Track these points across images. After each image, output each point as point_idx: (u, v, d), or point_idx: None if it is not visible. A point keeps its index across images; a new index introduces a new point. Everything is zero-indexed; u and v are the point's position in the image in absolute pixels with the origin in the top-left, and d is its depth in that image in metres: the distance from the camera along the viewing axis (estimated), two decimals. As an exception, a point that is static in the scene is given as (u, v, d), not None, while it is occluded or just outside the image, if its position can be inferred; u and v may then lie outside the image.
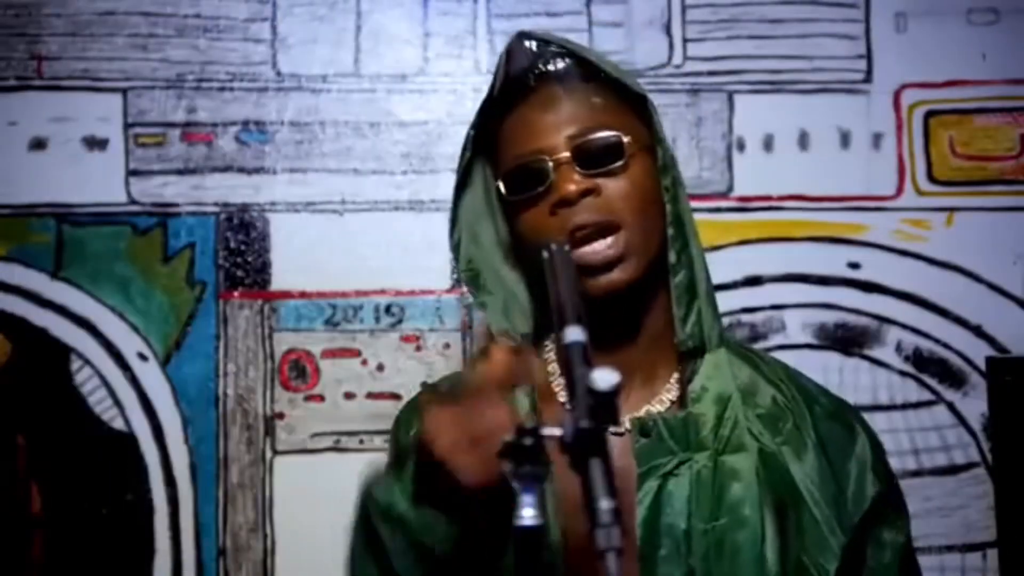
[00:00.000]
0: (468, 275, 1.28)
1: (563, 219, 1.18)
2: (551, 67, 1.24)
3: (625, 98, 1.26)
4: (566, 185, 1.18)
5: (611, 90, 1.25)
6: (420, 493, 1.01)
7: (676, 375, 1.23)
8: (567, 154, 1.20)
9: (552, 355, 1.26)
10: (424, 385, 1.38)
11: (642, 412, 1.21)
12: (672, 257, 1.22)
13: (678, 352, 1.23)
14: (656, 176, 1.23)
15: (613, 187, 1.20)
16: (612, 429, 1.16)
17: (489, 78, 1.75)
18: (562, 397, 1.21)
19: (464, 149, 1.27)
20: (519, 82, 1.24)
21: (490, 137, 1.27)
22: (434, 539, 1.01)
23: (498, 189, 1.24)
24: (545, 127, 1.21)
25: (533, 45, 1.26)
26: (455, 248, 1.28)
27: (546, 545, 0.87)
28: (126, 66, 1.75)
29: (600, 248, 1.18)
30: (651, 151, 1.24)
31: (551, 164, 1.20)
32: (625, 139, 1.21)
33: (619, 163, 1.20)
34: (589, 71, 1.24)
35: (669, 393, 1.23)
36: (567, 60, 1.24)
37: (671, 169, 1.25)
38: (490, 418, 0.95)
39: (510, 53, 1.26)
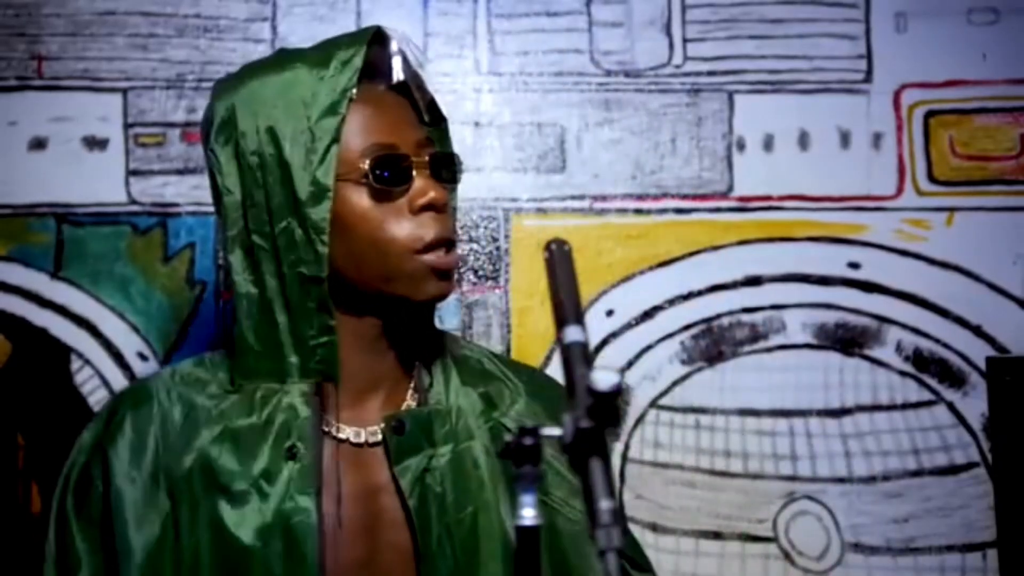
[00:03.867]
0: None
1: (428, 224, 1.21)
2: (414, 73, 1.29)
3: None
4: (437, 190, 1.22)
5: None
6: None
7: (414, 381, 1.29)
8: (427, 159, 1.23)
9: None
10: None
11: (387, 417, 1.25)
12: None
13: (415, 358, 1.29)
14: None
15: (451, 207, 1.28)
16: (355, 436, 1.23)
17: (489, 78, 1.77)
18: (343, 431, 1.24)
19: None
20: (382, 73, 1.27)
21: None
22: None
23: (356, 172, 1.22)
24: (407, 124, 1.25)
25: (406, 49, 1.29)
26: None
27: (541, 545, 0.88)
28: (126, 66, 1.75)
29: (453, 258, 1.24)
30: None
31: (414, 164, 1.22)
32: (461, 165, 1.28)
33: (456, 184, 1.28)
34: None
35: (410, 396, 1.28)
36: (422, 77, 1.30)
37: None
38: None
39: (383, 46, 1.29)
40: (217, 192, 1.25)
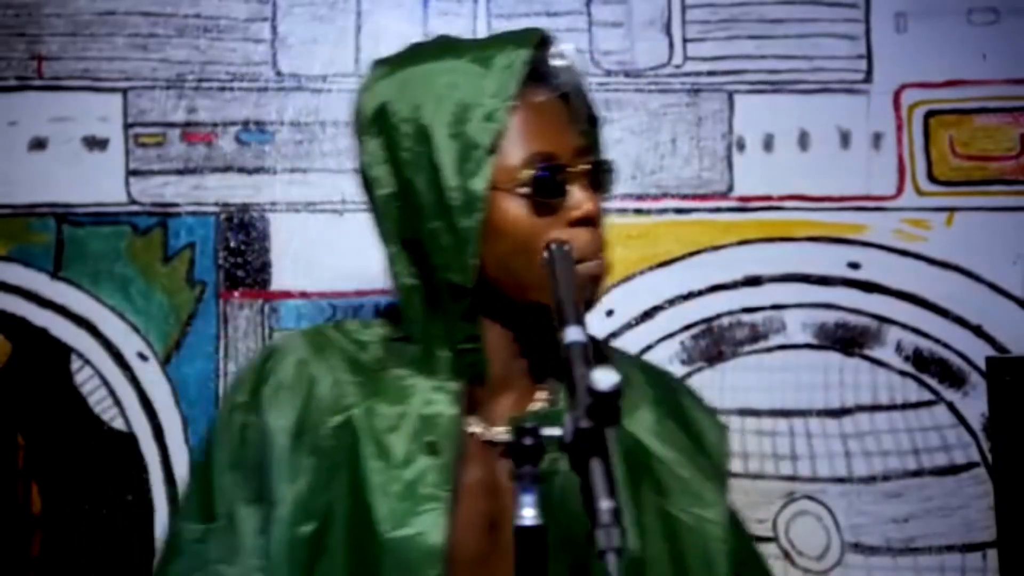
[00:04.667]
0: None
1: (583, 236, 1.18)
2: (567, 83, 1.25)
3: None
4: (592, 202, 1.19)
5: None
6: None
7: (547, 385, 1.27)
8: (584, 168, 1.20)
9: None
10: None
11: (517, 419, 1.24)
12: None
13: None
14: None
15: (600, 218, 1.23)
16: (488, 435, 1.22)
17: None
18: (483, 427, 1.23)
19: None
20: (543, 78, 1.23)
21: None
22: None
23: (516, 182, 1.20)
24: (563, 132, 1.21)
25: (559, 53, 1.25)
26: None
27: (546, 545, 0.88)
28: (126, 66, 1.75)
29: (600, 269, 1.21)
30: None
31: (568, 175, 1.19)
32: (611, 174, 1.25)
33: (607, 194, 1.24)
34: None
35: (540, 398, 1.26)
36: (581, 87, 1.26)
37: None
38: None
39: (548, 54, 1.25)
40: (366, 181, 1.24)
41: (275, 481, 1.19)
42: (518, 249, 1.19)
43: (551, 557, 1.07)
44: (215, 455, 1.23)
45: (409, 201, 1.20)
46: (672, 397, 1.33)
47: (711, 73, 1.78)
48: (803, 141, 1.78)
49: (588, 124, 1.27)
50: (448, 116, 1.18)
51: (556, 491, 1.14)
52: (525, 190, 1.19)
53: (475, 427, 1.22)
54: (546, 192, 1.19)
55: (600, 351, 1.34)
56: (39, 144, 1.73)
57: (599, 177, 1.22)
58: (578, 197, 1.19)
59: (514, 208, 1.19)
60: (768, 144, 1.77)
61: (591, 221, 1.19)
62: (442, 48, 1.26)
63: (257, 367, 1.25)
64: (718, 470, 1.30)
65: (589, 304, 1.20)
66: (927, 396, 1.75)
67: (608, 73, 1.77)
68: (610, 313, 1.74)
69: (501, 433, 1.22)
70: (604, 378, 0.81)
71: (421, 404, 1.21)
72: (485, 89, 1.19)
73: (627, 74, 1.78)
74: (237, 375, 1.28)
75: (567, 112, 1.24)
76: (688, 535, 1.24)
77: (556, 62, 1.25)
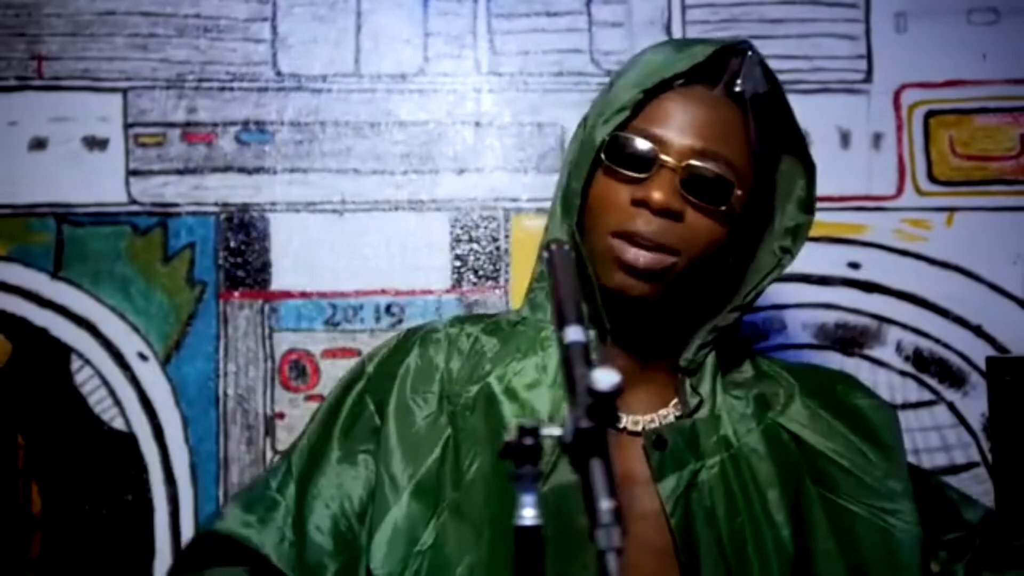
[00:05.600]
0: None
1: (638, 217, 1.19)
2: (738, 88, 1.24)
3: (775, 150, 1.28)
4: (662, 195, 1.18)
5: (769, 123, 1.25)
6: None
7: (674, 386, 1.27)
8: (681, 166, 1.20)
9: None
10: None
11: (651, 420, 1.23)
12: (732, 309, 1.28)
13: (679, 367, 1.28)
14: (730, 226, 1.24)
15: (693, 222, 1.20)
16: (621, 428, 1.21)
17: (489, 78, 1.76)
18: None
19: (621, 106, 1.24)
20: (702, 74, 1.23)
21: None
22: None
23: (600, 143, 1.22)
24: (681, 123, 1.21)
25: (742, 63, 1.24)
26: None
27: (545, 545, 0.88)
28: (126, 66, 1.75)
29: (649, 258, 1.19)
30: (750, 205, 1.26)
31: (662, 164, 1.19)
32: (737, 191, 1.21)
33: (713, 207, 1.21)
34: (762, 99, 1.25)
35: (673, 404, 1.26)
36: (752, 92, 1.24)
37: (797, 238, 1.29)
38: None
39: (723, 52, 1.24)
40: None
41: (392, 459, 1.22)
42: (591, 217, 1.23)
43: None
44: (335, 425, 1.29)
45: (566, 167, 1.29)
46: (827, 386, 1.32)
47: (711, 73, 1.78)
48: (803, 141, 1.77)
49: (763, 143, 1.24)
50: (620, 91, 1.23)
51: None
52: (602, 156, 1.21)
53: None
54: (616, 161, 1.20)
55: (740, 353, 1.34)
56: (39, 144, 1.73)
57: (698, 185, 1.20)
58: (654, 182, 1.19)
59: (602, 177, 1.23)
60: (768, 144, 1.77)
61: (650, 206, 1.18)
62: (664, 43, 1.34)
63: (394, 344, 1.32)
64: (889, 453, 1.28)
65: (629, 293, 1.20)
66: (927, 396, 1.75)
67: (608, 73, 1.77)
68: (610, 313, 1.74)
69: (636, 423, 1.23)
70: (604, 378, 0.81)
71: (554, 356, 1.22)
72: (657, 69, 1.22)
73: (627, 74, 1.78)
74: (376, 354, 1.34)
75: (738, 121, 1.23)
76: (862, 527, 1.23)
77: (741, 67, 1.24)
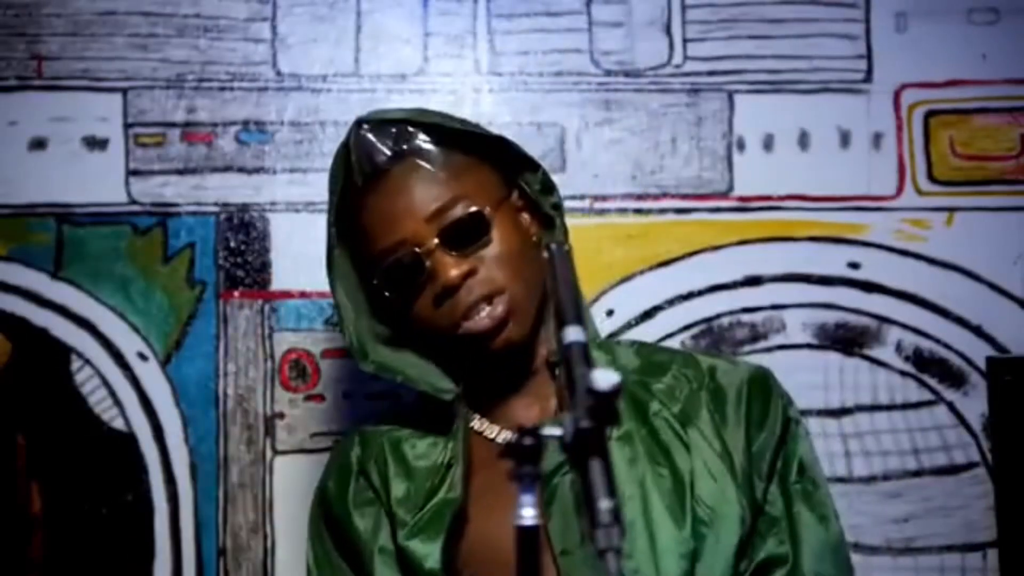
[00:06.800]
0: (376, 367, 1.32)
1: (451, 308, 1.23)
2: (391, 150, 1.26)
3: (477, 147, 1.29)
4: (446, 273, 1.22)
5: (460, 147, 1.28)
6: None
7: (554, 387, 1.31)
8: (435, 240, 1.23)
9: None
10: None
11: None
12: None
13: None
14: (519, 221, 1.29)
15: (488, 259, 1.24)
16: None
17: (489, 78, 1.77)
18: (490, 433, 1.30)
19: (329, 246, 1.31)
20: (365, 173, 1.27)
21: (344, 226, 1.31)
22: None
23: (374, 286, 1.28)
24: (403, 215, 1.24)
25: (369, 133, 1.27)
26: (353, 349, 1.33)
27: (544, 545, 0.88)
28: (126, 66, 1.75)
29: (487, 313, 1.23)
30: (508, 201, 1.29)
31: (423, 254, 1.23)
32: (486, 210, 1.24)
33: (486, 236, 1.24)
34: (433, 136, 1.27)
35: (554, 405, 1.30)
36: (407, 142, 1.26)
37: (553, 190, 1.33)
38: None
39: (350, 145, 1.28)
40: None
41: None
42: (419, 327, 1.28)
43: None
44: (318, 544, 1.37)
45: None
46: (709, 381, 1.34)
47: (711, 73, 1.78)
48: (803, 141, 1.77)
49: (440, 170, 1.26)
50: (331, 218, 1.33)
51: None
52: (388, 294, 1.26)
53: (489, 429, 1.32)
54: (402, 288, 1.25)
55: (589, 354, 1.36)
56: (39, 144, 1.73)
57: (456, 236, 1.24)
58: (434, 270, 1.23)
59: (398, 308, 1.27)
60: (768, 144, 1.77)
61: (453, 290, 1.22)
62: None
63: (338, 460, 1.38)
64: (739, 422, 1.30)
65: (504, 347, 1.25)
66: (927, 396, 1.75)
67: (608, 73, 1.77)
68: (610, 313, 1.74)
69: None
70: (604, 378, 0.81)
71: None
72: (334, 185, 1.31)
73: (627, 74, 1.78)
74: (328, 471, 1.41)
75: (408, 169, 1.26)
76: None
77: (371, 141, 1.27)
